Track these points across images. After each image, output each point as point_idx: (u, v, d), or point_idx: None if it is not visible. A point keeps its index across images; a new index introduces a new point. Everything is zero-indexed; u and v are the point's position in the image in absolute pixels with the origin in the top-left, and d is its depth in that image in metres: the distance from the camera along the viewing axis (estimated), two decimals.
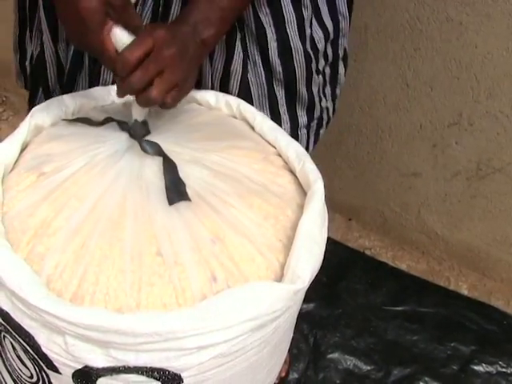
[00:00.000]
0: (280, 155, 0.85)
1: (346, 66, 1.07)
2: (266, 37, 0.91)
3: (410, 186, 1.57)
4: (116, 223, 0.71)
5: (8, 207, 0.75)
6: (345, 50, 1.05)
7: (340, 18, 0.98)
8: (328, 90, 1.05)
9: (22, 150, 0.82)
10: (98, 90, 0.90)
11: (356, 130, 1.55)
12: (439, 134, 1.44)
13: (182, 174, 0.75)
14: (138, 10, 0.88)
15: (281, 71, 0.93)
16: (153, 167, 0.77)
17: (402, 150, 1.52)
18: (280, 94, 0.96)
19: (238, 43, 0.90)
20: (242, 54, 0.91)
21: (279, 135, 0.86)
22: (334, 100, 1.07)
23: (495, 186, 1.46)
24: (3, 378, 0.83)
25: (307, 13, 0.92)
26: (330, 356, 1.42)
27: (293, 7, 0.90)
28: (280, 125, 0.91)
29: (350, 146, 1.59)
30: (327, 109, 1.05)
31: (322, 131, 1.06)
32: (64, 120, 0.85)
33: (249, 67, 0.92)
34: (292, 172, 0.84)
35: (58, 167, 0.77)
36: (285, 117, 0.98)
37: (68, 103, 0.86)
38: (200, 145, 0.81)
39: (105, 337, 0.63)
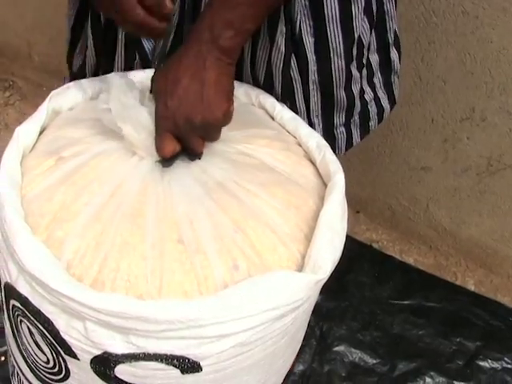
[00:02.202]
0: (300, 145, 0.85)
1: (399, 52, 1.01)
2: (301, 31, 0.84)
3: (419, 180, 1.56)
4: (137, 210, 0.70)
5: (26, 190, 0.74)
6: (395, 33, 0.98)
7: None
8: (378, 79, 0.99)
9: (40, 133, 0.82)
10: (117, 75, 0.89)
11: None
12: (451, 129, 1.44)
13: (204, 164, 0.75)
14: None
15: (315, 70, 0.88)
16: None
17: (413, 144, 1.51)
18: (314, 94, 0.91)
19: (280, 37, 0.84)
20: (283, 48, 0.84)
21: (300, 125, 0.85)
22: (388, 88, 1.02)
23: (505, 182, 1.45)
24: (17, 362, 0.82)
25: (357, 7, 0.85)
26: (336, 349, 1.41)
27: (338, 2, 0.83)
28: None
29: None
30: (377, 99, 1.00)
31: (372, 123, 1.01)
32: (82, 104, 0.85)
33: (292, 64, 0.87)
34: (312, 162, 0.83)
35: (76, 152, 0.76)
36: (316, 120, 0.94)
37: (86, 87, 0.86)
38: (222, 134, 0.80)
39: (126, 323, 0.62)
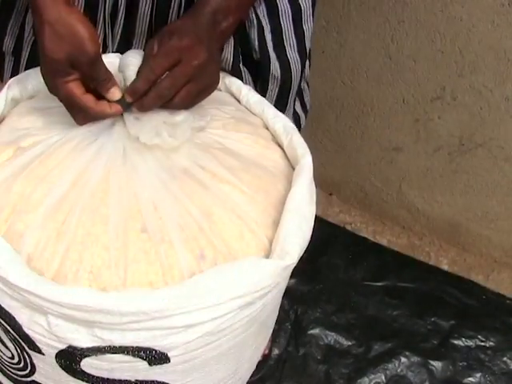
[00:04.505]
0: (267, 128, 0.83)
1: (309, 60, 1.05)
2: (263, 28, 0.87)
3: (391, 160, 1.55)
4: (99, 198, 0.68)
5: None
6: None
7: None
8: None
9: None
10: None
11: (337, 104, 1.53)
12: (422, 109, 1.43)
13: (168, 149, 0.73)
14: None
15: (278, 67, 0.90)
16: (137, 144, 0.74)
17: (384, 125, 1.50)
18: (272, 89, 0.92)
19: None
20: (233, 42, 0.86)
21: (266, 108, 0.84)
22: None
23: (477, 161, 1.45)
24: None
25: (306, 2, 0.88)
26: (311, 332, 1.41)
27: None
28: None
29: (331, 120, 1.57)
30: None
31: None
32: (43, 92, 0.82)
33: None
34: (280, 145, 0.82)
35: (36, 141, 0.74)
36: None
37: None
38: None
39: (90, 316, 0.61)
